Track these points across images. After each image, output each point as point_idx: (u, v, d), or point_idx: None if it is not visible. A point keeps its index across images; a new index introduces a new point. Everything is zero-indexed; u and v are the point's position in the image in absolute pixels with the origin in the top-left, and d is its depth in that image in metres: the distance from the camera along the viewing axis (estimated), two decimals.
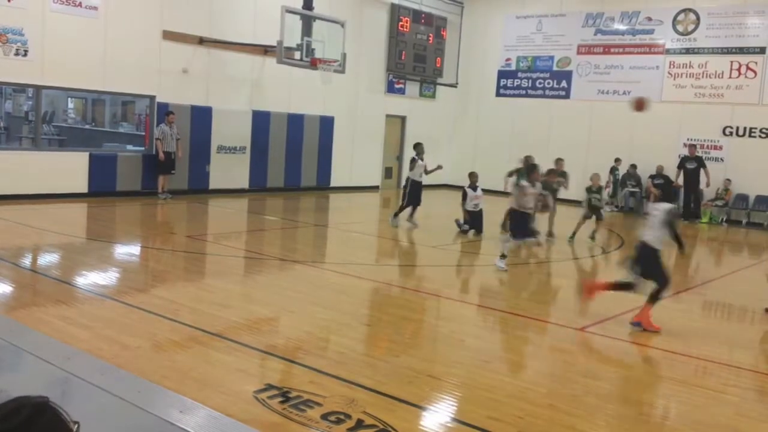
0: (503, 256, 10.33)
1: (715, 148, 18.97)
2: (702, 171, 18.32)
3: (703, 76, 19.31)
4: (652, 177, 19.57)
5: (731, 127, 18.76)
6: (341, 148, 19.81)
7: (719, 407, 5.65)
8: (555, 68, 21.93)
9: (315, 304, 7.94)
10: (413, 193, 13.63)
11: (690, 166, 18.58)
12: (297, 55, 15.84)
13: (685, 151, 19.09)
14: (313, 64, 16.03)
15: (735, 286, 11.14)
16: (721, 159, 18.79)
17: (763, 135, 18.31)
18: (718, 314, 9.52)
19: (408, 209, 13.80)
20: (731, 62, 18.83)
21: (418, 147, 13.80)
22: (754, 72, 18.46)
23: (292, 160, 18.81)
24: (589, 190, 13.45)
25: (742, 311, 9.43)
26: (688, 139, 19.26)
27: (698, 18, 19.38)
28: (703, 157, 18.72)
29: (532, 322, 8.00)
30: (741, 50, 18.71)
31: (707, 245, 16.33)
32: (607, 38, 20.98)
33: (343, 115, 19.74)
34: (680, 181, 18.32)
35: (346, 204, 18.61)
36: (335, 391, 5.23)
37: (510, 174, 13.44)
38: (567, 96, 21.67)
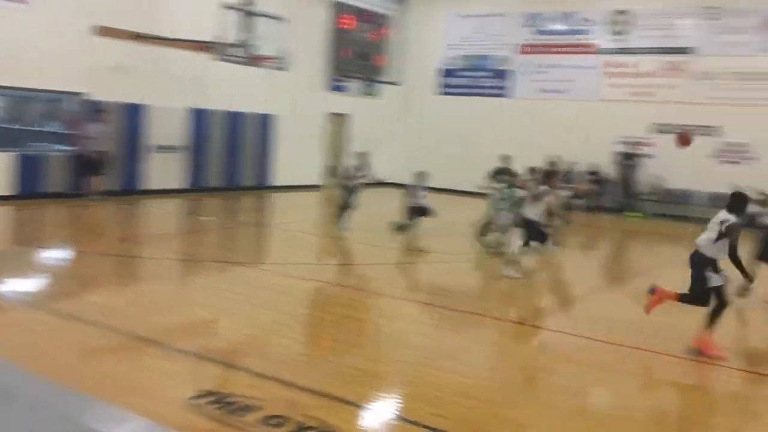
0: (512, 262, 9.98)
1: (647, 145, 19.46)
2: (636, 167, 18.79)
3: (636, 76, 19.80)
4: (589, 174, 20.04)
5: (662, 125, 19.29)
6: (283, 146, 19.52)
7: (661, 397, 5.73)
8: (497, 67, 22.17)
9: (255, 305, 7.76)
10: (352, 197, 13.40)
11: (625, 162, 19.10)
12: (237, 51, 15.50)
13: (620, 149, 19.57)
14: (254, 61, 15.72)
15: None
16: (653, 156, 19.28)
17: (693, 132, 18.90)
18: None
19: (348, 211, 13.47)
20: (662, 62, 19.36)
21: (363, 155, 13.75)
22: (683, 71, 19.02)
23: (232, 159, 18.45)
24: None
25: None
26: (622, 137, 19.72)
27: (631, 19, 19.87)
28: (637, 154, 19.24)
29: (475, 317, 7.99)
30: (671, 50, 19.26)
31: (644, 238, 16.73)
32: (546, 38, 21.31)
33: (284, 113, 19.47)
34: (616, 176, 18.78)
35: (287, 203, 18.36)
36: (275, 393, 5.08)
37: (491, 176, 13.29)
38: (509, 95, 21.94)
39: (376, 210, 15.13)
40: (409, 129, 23.34)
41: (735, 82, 18.30)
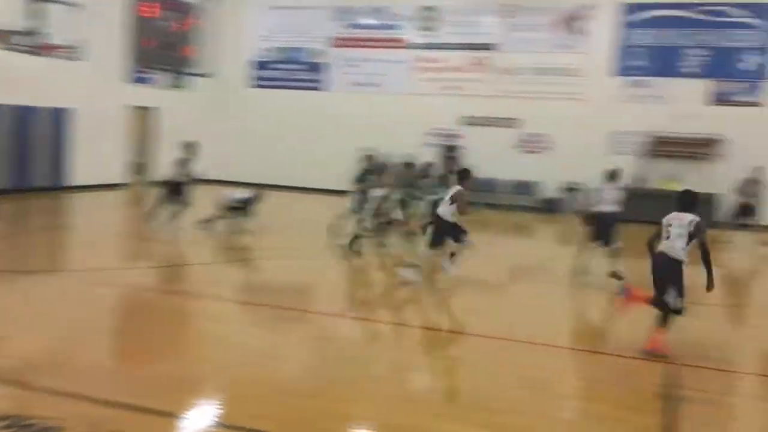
0: (412, 266, 9.43)
1: (457, 136, 20.32)
2: (455, 158, 19.55)
3: (445, 70, 20.60)
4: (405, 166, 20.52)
5: (470, 117, 20.25)
6: (81, 142, 17.96)
7: (484, 382, 5.85)
8: (311, 60, 22.04)
9: (52, 317, 6.95)
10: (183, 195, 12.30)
11: (448, 154, 19.79)
12: (24, 40, 13.97)
13: (431, 141, 20.33)
14: (44, 50, 14.26)
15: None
16: (463, 147, 20.18)
17: (494, 124, 20.01)
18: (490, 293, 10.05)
19: (173, 210, 12.42)
20: (468, 57, 20.31)
21: (190, 147, 12.52)
22: (487, 66, 20.09)
23: (21, 158, 16.65)
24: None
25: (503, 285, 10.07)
26: (434, 129, 20.45)
27: (438, 15, 20.63)
28: (452, 146, 19.96)
29: (296, 313, 7.77)
30: (476, 46, 20.27)
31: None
32: (359, 32, 21.53)
33: (82, 106, 17.91)
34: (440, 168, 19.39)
35: (87, 203, 16.90)
36: (78, 412, 4.54)
37: (359, 178, 12.87)
38: (325, 88, 21.90)
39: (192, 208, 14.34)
40: (223, 123, 22.56)
41: (533, 77, 19.65)
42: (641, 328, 6.84)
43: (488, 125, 20.11)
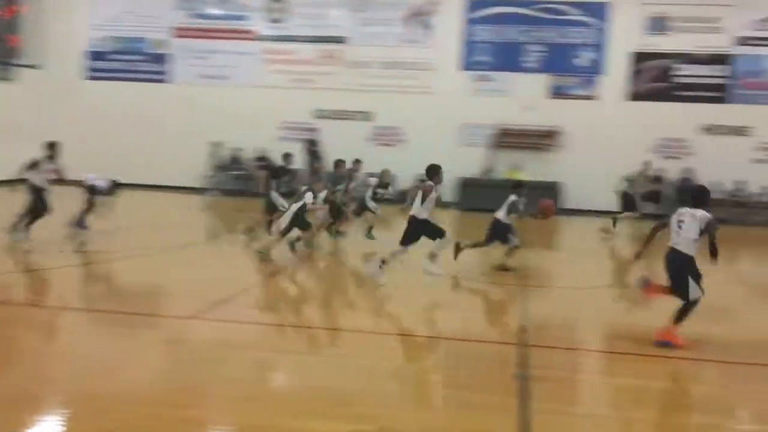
0: (384, 262, 9.03)
1: (308, 130, 20.08)
2: (317, 152, 19.27)
3: (296, 63, 20.29)
4: (257, 160, 20.05)
5: (321, 110, 20.10)
6: None
7: (333, 373, 5.70)
8: (153, 50, 20.92)
9: None
10: (42, 200, 10.92)
11: (311, 148, 19.41)
12: None
13: (283, 135, 19.97)
14: None
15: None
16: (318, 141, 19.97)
17: (348, 117, 20.00)
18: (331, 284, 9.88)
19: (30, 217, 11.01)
20: (319, 50, 20.12)
21: (52, 147, 11.15)
22: (338, 59, 20.01)
23: None
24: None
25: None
26: (286, 123, 20.10)
27: (288, 7, 20.27)
28: (314, 140, 19.53)
29: (145, 318, 7.22)
30: (326, 39, 20.12)
31: None
32: (204, 22, 20.72)
33: None
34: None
35: None
36: None
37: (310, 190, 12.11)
38: (168, 80, 20.87)
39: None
40: (56, 118, 20.86)
41: (383, 71, 19.81)
42: (491, 313, 6.98)
43: (341, 118, 20.05)
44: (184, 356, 6.05)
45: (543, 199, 8.98)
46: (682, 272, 6.53)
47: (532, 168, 17.94)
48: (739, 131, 18.48)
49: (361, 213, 12.68)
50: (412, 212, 9.10)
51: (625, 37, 18.84)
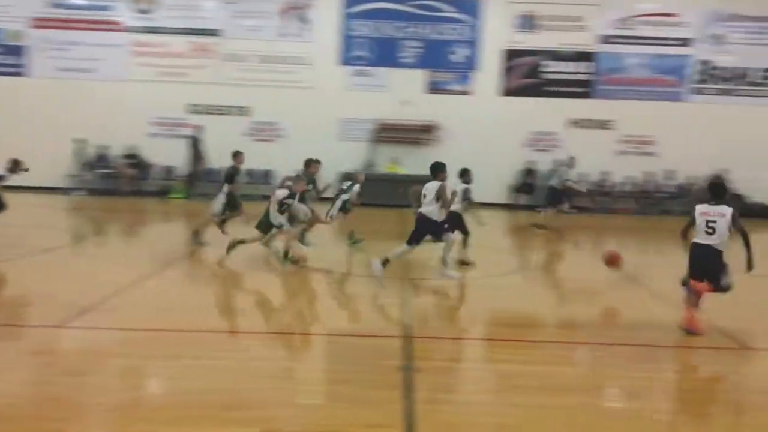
0: (384, 261, 8.81)
1: (182, 125, 19.31)
2: (202, 149, 18.57)
3: (166, 56, 19.47)
4: (127, 157, 19.13)
5: (195, 105, 19.41)
6: None
7: (215, 374, 5.45)
8: (8, 42, 19.41)
9: None
10: None
11: (197, 146, 18.64)
12: None
13: (154, 130, 19.31)
14: None
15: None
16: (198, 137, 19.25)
17: (223, 112, 19.43)
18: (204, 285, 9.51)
19: None
20: (191, 43, 19.40)
21: None
22: (212, 53, 19.39)
23: None
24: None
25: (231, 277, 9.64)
26: (155, 118, 19.29)
27: None
28: (197, 138, 18.78)
29: (4, 329, 6.64)
30: (199, 32, 19.43)
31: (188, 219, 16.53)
32: (65, 12, 19.42)
33: None
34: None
35: None
36: None
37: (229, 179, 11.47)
38: (26, 73, 19.45)
39: None
40: None
41: (260, 65, 19.39)
42: (375, 308, 6.92)
43: (217, 113, 19.45)
44: (50, 367, 5.60)
45: (610, 251, 8.90)
46: (717, 266, 7.04)
47: (411, 162, 18.16)
48: (603, 125, 19.54)
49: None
50: (421, 211, 8.95)
51: (496, 34, 19.43)
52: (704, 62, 19.50)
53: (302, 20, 19.53)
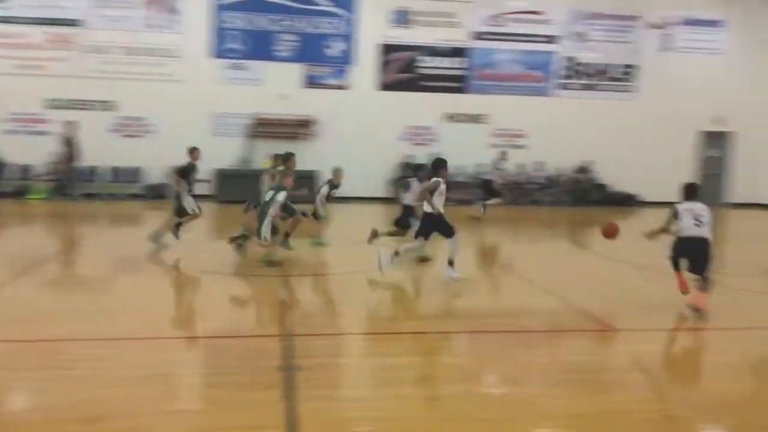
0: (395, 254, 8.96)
1: (40, 121, 18.06)
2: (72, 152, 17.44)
3: (22, 47, 18.11)
4: None
5: (54, 100, 18.18)
6: None
7: (72, 383, 5.07)
8: None
9: None
10: None
11: (69, 145, 17.41)
12: None
13: (9, 127, 18.00)
14: None
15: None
16: (49, 133, 18.00)
17: (86, 107, 18.31)
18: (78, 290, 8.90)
19: None
20: (49, 33, 18.14)
21: None
22: (73, 44, 18.22)
23: None
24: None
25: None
26: (11, 114, 17.97)
27: None
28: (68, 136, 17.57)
29: None
30: (58, 22, 18.20)
31: (49, 220, 15.47)
32: None
33: None
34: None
35: None
36: None
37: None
38: None
39: None
40: None
41: (126, 57, 18.43)
42: (253, 307, 6.70)
43: (79, 108, 18.30)
44: None
45: (610, 223, 8.80)
46: (708, 255, 7.71)
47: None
48: (476, 119, 20.08)
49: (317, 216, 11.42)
50: (425, 209, 8.93)
51: (372, 29, 19.48)
52: (569, 59, 20.48)
53: (171, 11, 18.73)
